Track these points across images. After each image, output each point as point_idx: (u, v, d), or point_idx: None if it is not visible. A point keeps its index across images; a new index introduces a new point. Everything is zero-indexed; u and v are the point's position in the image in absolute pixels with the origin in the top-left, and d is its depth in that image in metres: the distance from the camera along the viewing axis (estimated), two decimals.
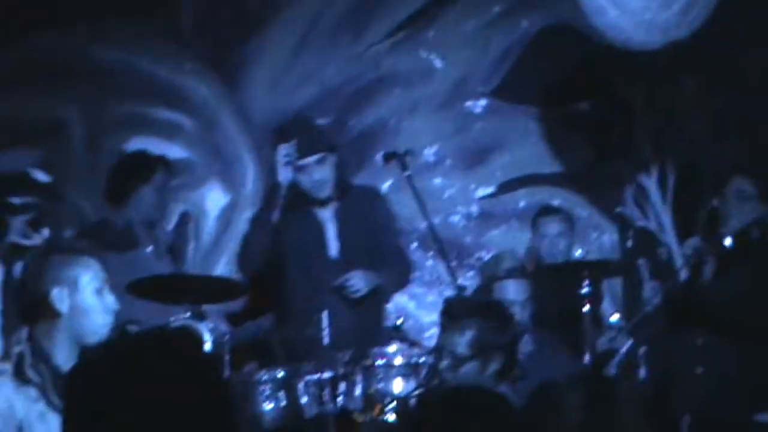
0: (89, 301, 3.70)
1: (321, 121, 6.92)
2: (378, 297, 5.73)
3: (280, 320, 5.81)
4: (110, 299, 3.75)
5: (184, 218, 6.70)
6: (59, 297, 3.66)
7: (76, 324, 3.67)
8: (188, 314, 5.28)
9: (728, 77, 6.65)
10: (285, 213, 5.70)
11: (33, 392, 3.61)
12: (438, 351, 4.36)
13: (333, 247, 5.71)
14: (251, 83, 7.05)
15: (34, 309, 3.70)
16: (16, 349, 3.67)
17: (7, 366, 3.66)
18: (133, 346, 2.18)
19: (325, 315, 5.15)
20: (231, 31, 7.07)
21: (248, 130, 7.03)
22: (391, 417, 4.76)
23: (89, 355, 2.21)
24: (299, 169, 5.63)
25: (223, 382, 2.22)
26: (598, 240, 6.90)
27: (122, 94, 7.00)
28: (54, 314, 3.67)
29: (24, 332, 3.70)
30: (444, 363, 4.23)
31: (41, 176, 4.89)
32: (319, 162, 5.65)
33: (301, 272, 5.72)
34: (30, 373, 3.62)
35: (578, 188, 6.92)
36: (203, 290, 5.31)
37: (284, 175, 5.65)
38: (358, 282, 5.59)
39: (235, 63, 7.05)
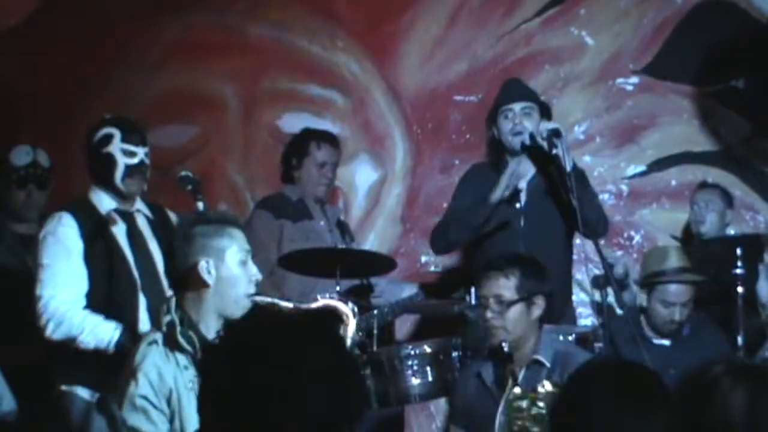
0: (234, 271, 3.75)
1: (471, 98, 6.94)
2: None
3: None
4: (254, 270, 3.79)
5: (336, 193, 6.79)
6: (207, 268, 3.73)
7: (222, 294, 3.72)
8: (354, 285, 5.41)
9: None
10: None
11: (183, 359, 3.67)
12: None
13: (522, 218, 5.46)
14: (402, 59, 7.08)
15: (182, 279, 3.77)
16: (166, 319, 3.73)
17: (158, 335, 3.74)
18: (270, 324, 2.19)
19: (472, 290, 5.15)
20: (382, 8, 7.11)
21: (398, 106, 7.06)
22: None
23: (228, 331, 2.24)
24: (502, 114, 5.49)
25: (356, 372, 2.21)
26: (753, 220, 6.76)
27: (275, 70, 7.11)
28: (202, 285, 3.72)
29: (172, 302, 3.77)
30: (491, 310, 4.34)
31: None
32: (525, 111, 5.49)
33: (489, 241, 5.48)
34: (182, 340, 3.68)
35: (732, 167, 6.79)
36: (354, 264, 5.38)
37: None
38: None
39: (386, 39, 7.09)
